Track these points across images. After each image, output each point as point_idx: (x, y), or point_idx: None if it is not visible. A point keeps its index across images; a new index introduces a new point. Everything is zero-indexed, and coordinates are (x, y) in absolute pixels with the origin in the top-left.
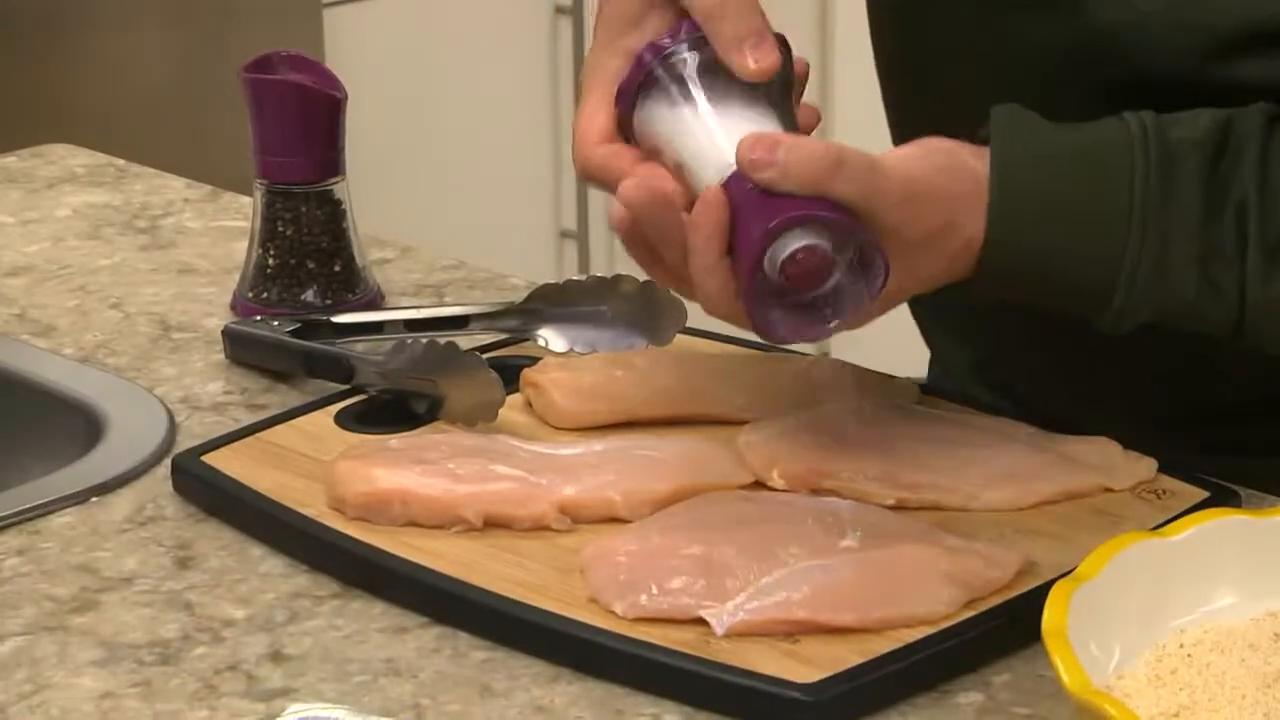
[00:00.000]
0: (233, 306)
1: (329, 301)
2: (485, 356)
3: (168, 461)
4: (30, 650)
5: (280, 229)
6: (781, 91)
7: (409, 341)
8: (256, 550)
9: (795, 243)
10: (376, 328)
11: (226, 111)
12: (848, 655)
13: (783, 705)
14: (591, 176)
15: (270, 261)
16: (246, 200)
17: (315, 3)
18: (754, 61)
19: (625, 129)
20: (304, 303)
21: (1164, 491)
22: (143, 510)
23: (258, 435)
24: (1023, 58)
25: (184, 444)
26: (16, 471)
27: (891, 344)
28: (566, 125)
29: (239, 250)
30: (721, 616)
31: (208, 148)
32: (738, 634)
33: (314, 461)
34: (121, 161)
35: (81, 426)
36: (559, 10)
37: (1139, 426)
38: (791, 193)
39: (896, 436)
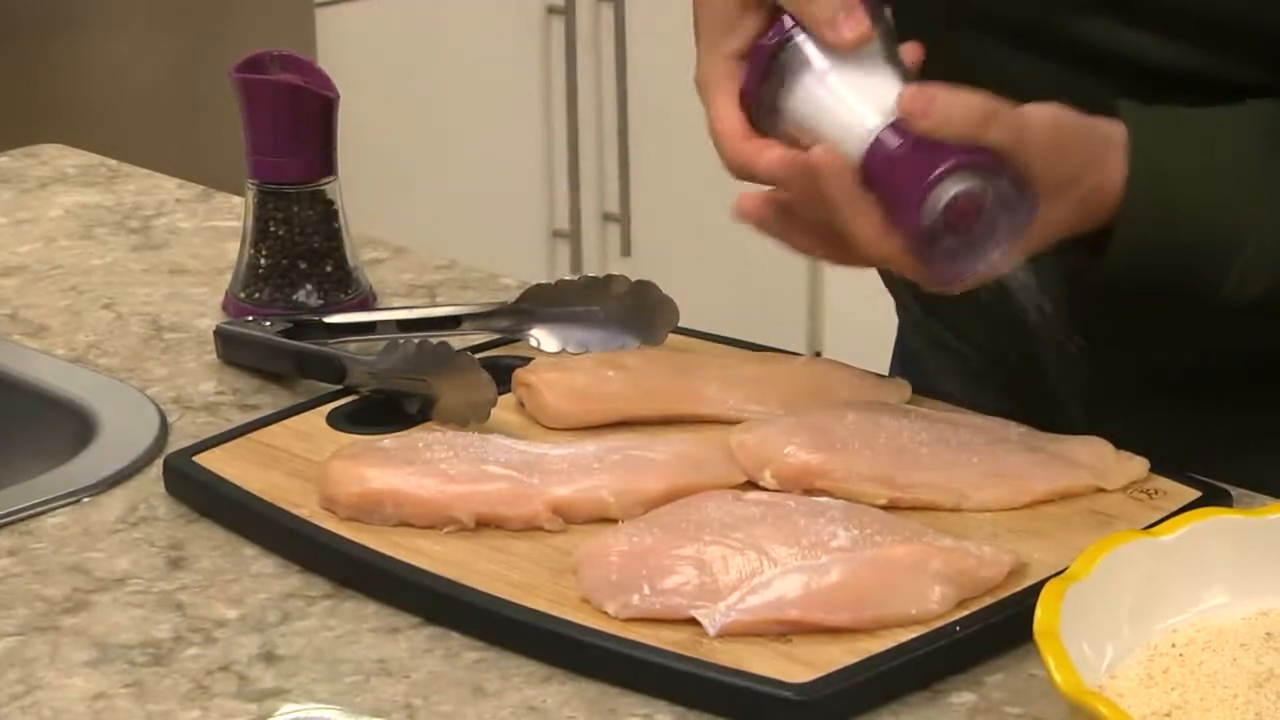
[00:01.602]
0: (224, 307)
1: (321, 302)
2: (477, 356)
3: (160, 462)
4: (22, 651)
5: (272, 229)
6: (888, 44)
7: (401, 342)
8: (249, 550)
9: (954, 188)
10: (369, 328)
11: (218, 111)
12: (840, 655)
13: (775, 705)
14: (748, 172)
15: (262, 262)
16: (238, 200)
17: (307, 2)
18: (849, 32)
19: (757, 128)
20: (296, 303)
21: (1156, 491)
22: (135, 510)
23: (250, 435)
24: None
25: (176, 444)
26: (8, 472)
27: (884, 344)
28: (559, 125)
29: (231, 250)
30: (714, 616)
31: (200, 148)
32: (730, 634)
33: (306, 462)
34: (113, 161)
35: (73, 427)
36: (551, 10)
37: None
38: (944, 142)
39: (888, 436)
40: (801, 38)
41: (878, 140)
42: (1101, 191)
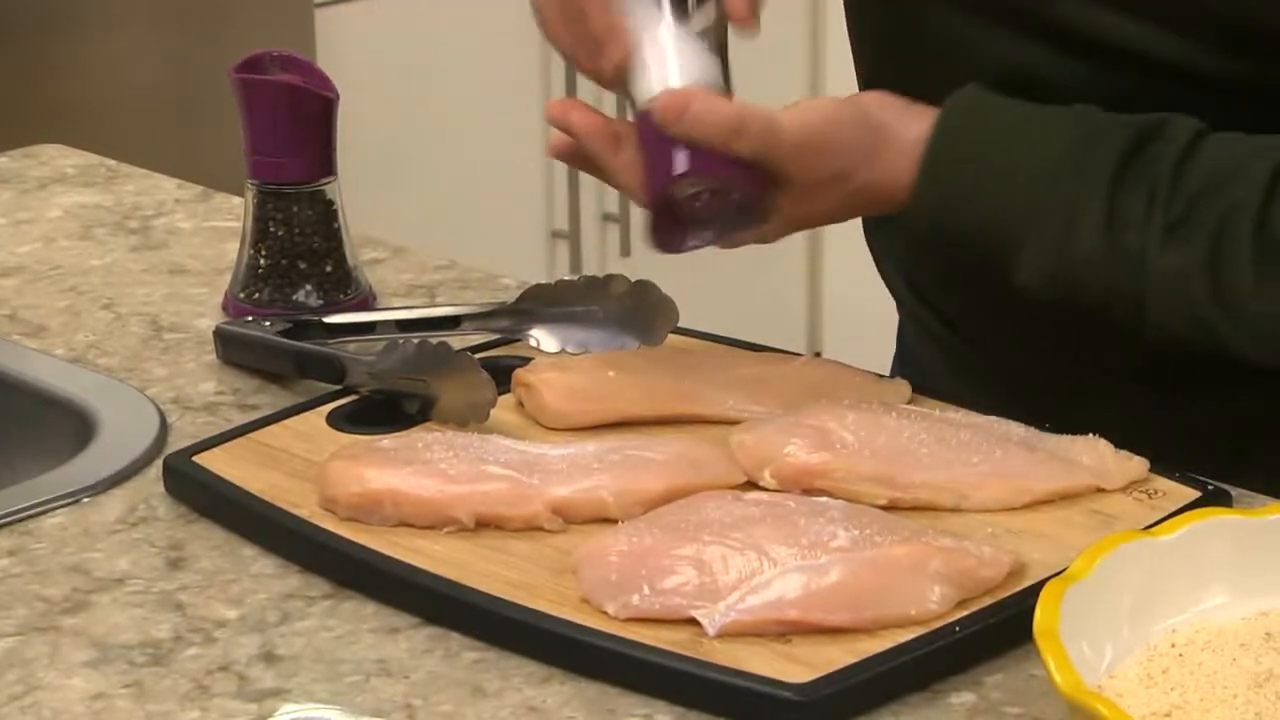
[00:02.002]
0: (224, 307)
1: (321, 302)
2: (477, 357)
3: (159, 462)
4: (22, 651)
5: (272, 229)
6: (719, 33)
7: (401, 342)
8: (248, 551)
9: (693, 187)
10: (368, 328)
11: (218, 112)
12: (840, 655)
13: (775, 705)
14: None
15: (262, 262)
16: (238, 201)
17: (307, 3)
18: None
19: None
20: (296, 303)
21: (1155, 491)
22: (134, 511)
23: (249, 436)
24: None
25: (176, 444)
26: (8, 472)
27: (884, 344)
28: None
29: (230, 251)
30: (713, 616)
31: (199, 148)
32: (730, 634)
33: (306, 462)
34: (113, 162)
35: (73, 427)
36: None
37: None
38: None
39: (888, 436)
40: None
41: (646, 114)
42: (879, 187)
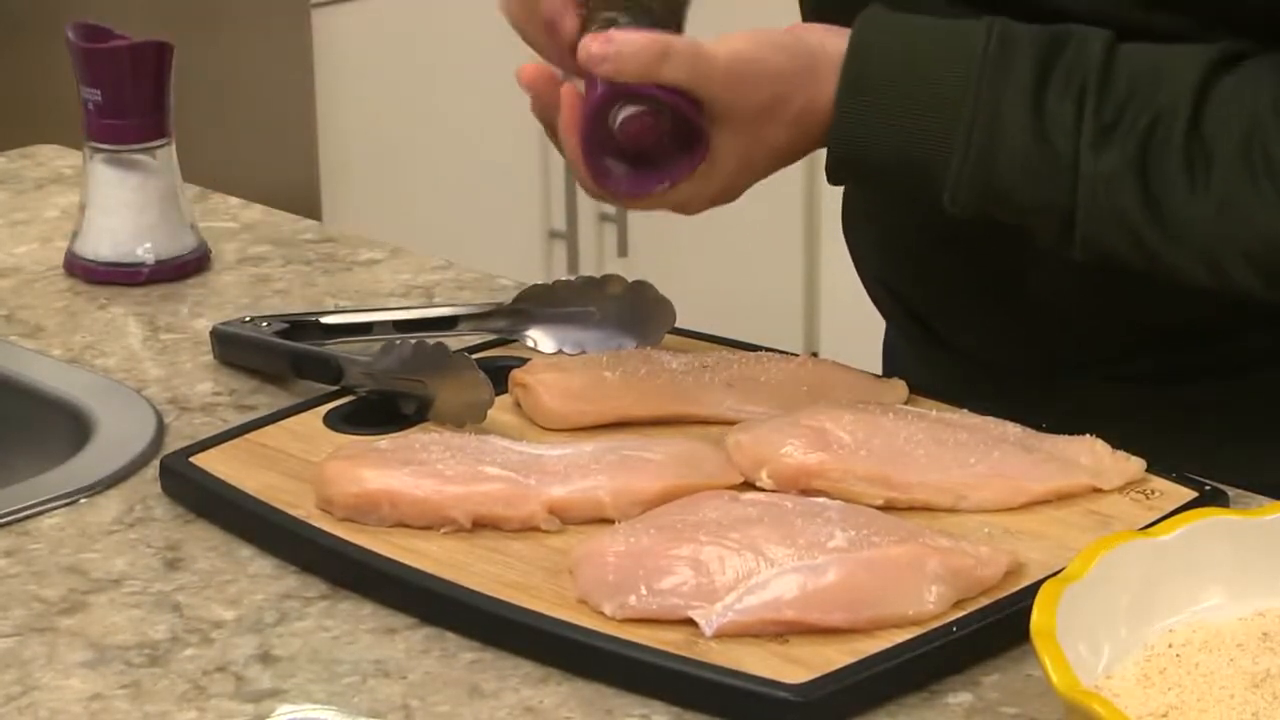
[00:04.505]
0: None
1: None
2: (474, 357)
3: (156, 462)
4: (19, 652)
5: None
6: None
7: (398, 342)
8: (245, 551)
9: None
10: (365, 328)
11: (213, 112)
12: (837, 655)
13: (772, 706)
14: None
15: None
16: (235, 201)
17: (303, 3)
18: None
19: None
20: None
21: (1152, 491)
22: (131, 511)
23: (246, 436)
24: None
25: (172, 445)
26: (5, 472)
27: (880, 344)
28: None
29: (229, 251)
30: (710, 617)
31: (194, 149)
32: (727, 634)
33: (303, 462)
34: None
35: (70, 427)
36: None
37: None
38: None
39: (885, 437)
40: None
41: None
42: (815, 105)
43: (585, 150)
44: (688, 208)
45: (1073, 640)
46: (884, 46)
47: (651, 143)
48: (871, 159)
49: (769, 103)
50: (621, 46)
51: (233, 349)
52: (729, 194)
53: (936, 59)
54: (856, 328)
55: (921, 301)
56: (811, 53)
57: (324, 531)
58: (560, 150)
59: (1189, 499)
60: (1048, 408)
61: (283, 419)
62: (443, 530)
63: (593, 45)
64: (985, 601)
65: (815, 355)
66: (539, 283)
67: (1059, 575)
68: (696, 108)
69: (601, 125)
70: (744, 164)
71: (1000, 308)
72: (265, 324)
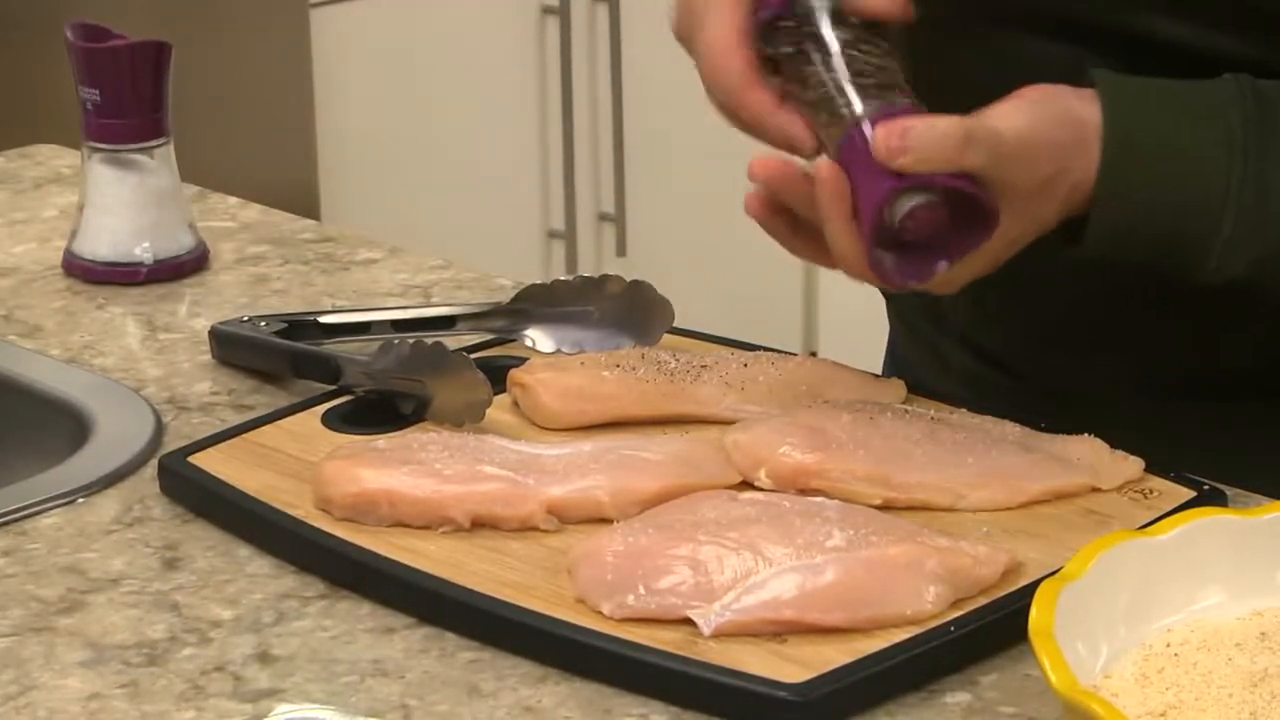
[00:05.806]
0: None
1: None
2: (472, 357)
3: (155, 462)
4: (17, 651)
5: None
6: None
7: (396, 342)
8: (244, 551)
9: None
10: (363, 328)
11: (212, 112)
12: (835, 655)
13: (770, 705)
14: (723, 92)
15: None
16: (234, 200)
17: (302, 3)
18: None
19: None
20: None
21: (1151, 491)
22: (130, 511)
23: (245, 436)
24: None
25: (171, 444)
26: (3, 472)
27: (879, 344)
28: (554, 125)
29: (227, 251)
30: (709, 616)
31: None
32: (725, 634)
33: (301, 462)
34: None
35: (68, 427)
36: (546, 10)
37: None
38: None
39: (884, 436)
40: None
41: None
42: (1086, 180)
43: (870, 252)
44: (951, 284)
45: (1071, 640)
46: (1140, 121)
47: (935, 228)
48: (1138, 233)
49: (1050, 177)
50: (920, 138)
51: (231, 348)
52: (991, 267)
53: (1195, 121)
54: (855, 327)
55: (936, 299)
56: (1080, 122)
57: (322, 531)
58: (774, 234)
59: (1187, 498)
60: (1064, 412)
61: (281, 418)
62: (441, 530)
63: (889, 140)
64: (983, 601)
65: (813, 355)
66: (537, 282)
67: (1057, 575)
68: (980, 185)
69: (879, 215)
70: (1014, 238)
71: (1020, 304)
72: (263, 323)
